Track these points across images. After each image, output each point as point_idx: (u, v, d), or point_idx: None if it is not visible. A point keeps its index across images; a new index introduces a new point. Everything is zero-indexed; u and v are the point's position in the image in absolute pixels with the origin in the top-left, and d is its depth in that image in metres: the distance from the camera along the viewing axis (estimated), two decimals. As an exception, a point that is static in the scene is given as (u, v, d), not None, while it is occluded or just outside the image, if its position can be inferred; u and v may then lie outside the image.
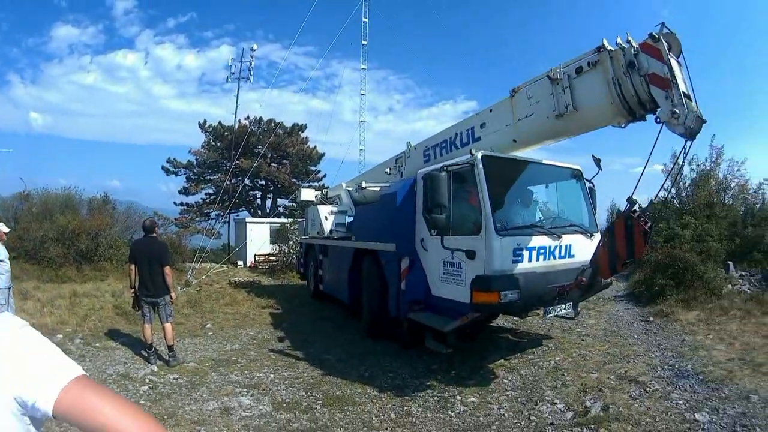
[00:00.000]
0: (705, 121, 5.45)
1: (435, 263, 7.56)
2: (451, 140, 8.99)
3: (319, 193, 17.05)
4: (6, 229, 8.78)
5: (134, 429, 1.12)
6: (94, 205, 24.23)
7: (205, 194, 38.07)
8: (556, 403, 6.09)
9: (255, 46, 35.08)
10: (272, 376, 7.36)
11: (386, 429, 5.54)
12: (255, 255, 26.72)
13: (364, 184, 11.30)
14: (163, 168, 37.21)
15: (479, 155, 6.96)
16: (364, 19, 35.06)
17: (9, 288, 8.48)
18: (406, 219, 8.30)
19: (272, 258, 25.03)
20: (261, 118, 35.43)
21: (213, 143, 37.31)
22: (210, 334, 10.09)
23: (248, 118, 35.86)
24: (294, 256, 21.89)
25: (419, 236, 8.03)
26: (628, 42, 5.94)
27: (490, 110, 8.12)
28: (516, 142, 7.75)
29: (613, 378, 6.86)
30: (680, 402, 5.87)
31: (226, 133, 35.62)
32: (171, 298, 8.09)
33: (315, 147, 38.96)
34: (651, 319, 10.78)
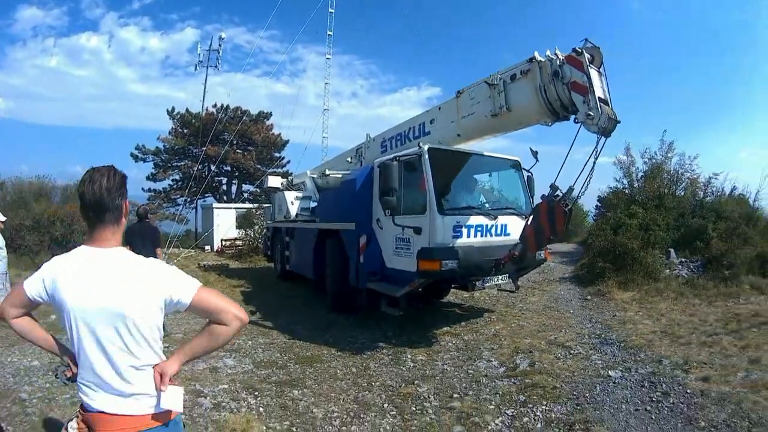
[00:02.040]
0: (618, 122, 6.63)
1: (389, 239, 8.67)
2: (405, 134, 10.21)
3: (285, 180, 18.10)
4: (3, 218, 9.42)
5: (232, 308, 2.21)
6: (68, 192, 24.67)
7: (172, 180, 38.54)
8: (491, 361, 7.24)
9: (223, 35, 35.81)
10: (250, 342, 8.42)
11: (349, 379, 6.64)
12: (222, 240, 27.33)
13: (327, 172, 12.43)
14: (131, 155, 37.54)
15: (426, 147, 8.14)
16: (330, 10, 35.42)
17: (6, 273, 9.20)
18: (364, 202, 9.41)
19: (238, 242, 25.75)
20: (228, 106, 35.87)
21: (180, 130, 37.75)
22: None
23: (215, 105, 36.56)
24: (260, 240, 22.64)
25: (375, 216, 9.15)
26: (555, 54, 7.08)
27: (439, 108, 9.36)
28: (460, 136, 8.97)
29: (544, 343, 8.00)
30: (598, 362, 6.95)
31: (193, 121, 36.15)
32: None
33: (280, 134, 39.68)
34: (589, 297, 11.92)
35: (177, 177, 38.35)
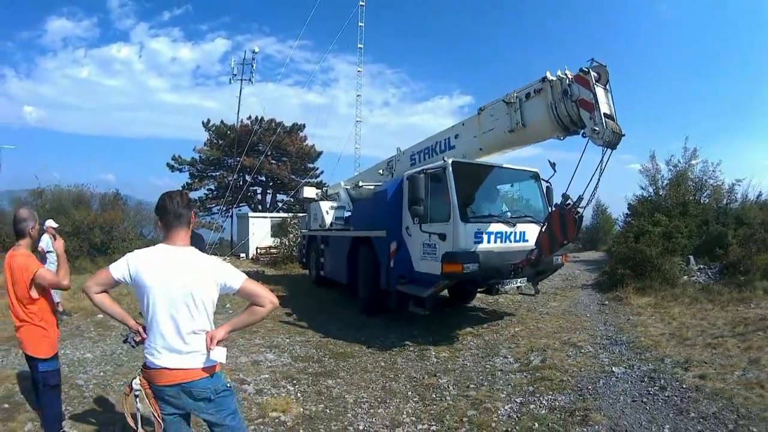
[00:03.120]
0: (623, 135, 7.27)
1: (417, 245, 9.42)
2: (432, 147, 10.99)
3: (320, 190, 18.99)
4: (55, 225, 10.33)
5: (267, 294, 3.14)
6: (105, 200, 25.58)
7: (207, 189, 39.46)
8: (507, 358, 7.91)
9: (256, 48, 36.56)
10: (288, 340, 9.22)
11: (377, 371, 7.38)
12: (257, 247, 28.10)
13: (361, 184, 13.22)
14: (168, 165, 38.61)
15: (450, 161, 8.88)
16: (360, 24, 35.65)
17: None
18: (394, 211, 10.17)
19: (273, 250, 26.43)
20: (262, 118, 36.78)
21: (215, 141, 38.67)
22: (231, 311, 11.79)
23: (250, 117, 37.44)
24: (295, 248, 23.44)
25: (405, 224, 9.89)
26: (565, 74, 7.71)
27: (462, 124, 10.12)
28: (482, 150, 9.68)
29: (558, 343, 8.61)
30: (605, 360, 7.54)
31: (228, 132, 37.05)
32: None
33: (313, 145, 40.38)
34: (606, 303, 12.39)
35: (212, 187, 39.33)
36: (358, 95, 37.02)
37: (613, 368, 7.05)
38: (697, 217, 19.74)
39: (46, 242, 10.18)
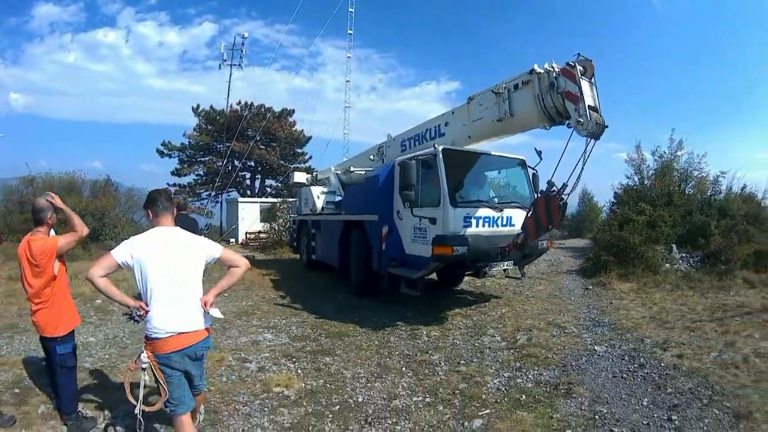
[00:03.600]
0: (606, 127, 7.59)
1: (408, 229, 9.75)
2: (422, 134, 11.32)
3: (310, 175, 19.15)
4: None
5: (241, 258, 4.08)
6: (96, 187, 25.59)
7: (197, 175, 39.62)
8: (495, 337, 8.29)
9: (245, 34, 36.65)
10: (284, 321, 9.55)
11: (372, 349, 7.72)
12: (246, 233, 28.35)
13: (352, 169, 13.48)
14: (157, 150, 38.68)
15: (440, 148, 9.21)
16: (350, 10, 35.78)
17: None
18: (386, 196, 10.48)
19: (263, 235, 26.72)
20: (252, 104, 37.02)
21: (205, 126, 38.75)
22: (226, 295, 11.97)
23: (240, 103, 37.60)
24: (284, 233, 23.75)
25: (396, 209, 10.21)
26: (552, 67, 8.04)
27: (452, 112, 10.44)
28: (471, 138, 10.02)
29: (543, 323, 9.00)
30: (588, 339, 7.95)
31: (218, 118, 37.15)
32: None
33: (302, 131, 40.60)
34: (590, 287, 12.73)
35: (201, 172, 39.49)
36: (347, 81, 37.28)
37: (596, 347, 7.44)
38: (681, 207, 19.99)
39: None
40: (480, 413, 5.30)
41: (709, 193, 21.72)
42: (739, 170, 33.59)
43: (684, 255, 15.83)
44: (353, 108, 36.57)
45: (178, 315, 3.75)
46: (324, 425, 5.07)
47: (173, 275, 3.78)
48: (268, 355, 7.37)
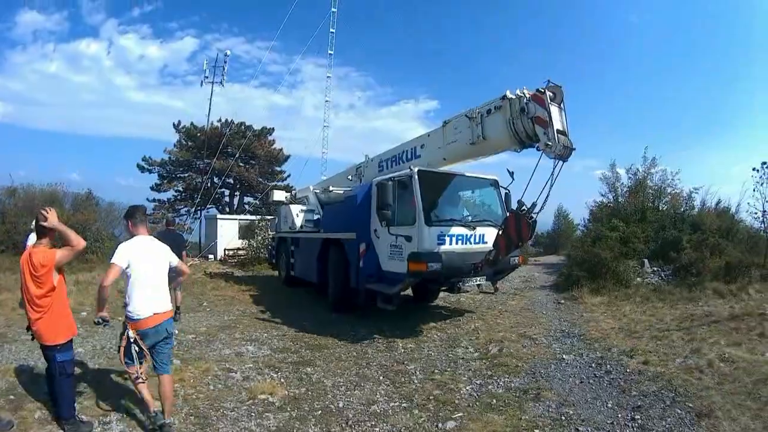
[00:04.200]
0: (573, 149, 8.07)
1: (384, 246, 10.14)
2: (399, 156, 11.78)
3: (289, 194, 19.52)
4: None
5: (187, 269, 6.01)
6: (78, 201, 25.58)
7: (176, 191, 39.42)
8: (468, 348, 8.71)
9: (228, 52, 36.87)
10: (266, 334, 9.84)
11: (351, 360, 8.08)
12: (225, 249, 28.33)
13: (331, 188, 13.82)
14: (138, 165, 38.31)
15: (416, 170, 9.66)
16: (331, 30, 36.27)
17: None
18: (364, 214, 10.89)
19: (241, 252, 26.76)
20: (232, 121, 36.99)
21: (185, 143, 38.74)
22: (208, 309, 12.49)
23: (220, 120, 37.67)
24: (263, 250, 24.08)
25: (373, 227, 10.60)
26: (523, 92, 8.51)
27: (428, 135, 10.93)
28: (446, 159, 10.51)
29: (515, 336, 9.45)
30: (557, 349, 8.42)
31: (198, 135, 37.17)
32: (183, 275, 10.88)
33: (281, 149, 40.69)
34: (562, 301, 13.29)
35: (180, 188, 39.29)
36: (326, 100, 37.61)
37: (564, 356, 7.89)
38: (654, 223, 20.52)
39: (32, 240, 10.35)
40: (453, 416, 5.67)
41: (682, 209, 22.26)
42: (715, 185, 34.43)
43: (656, 269, 16.26)
44: (331, 126, 36.59)
45: (155, 301, 5.22)
46: (308, 428, 5.41)
47: (151, 272, 5.26)
48: (251, 365, 7.67)
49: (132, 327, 5.06)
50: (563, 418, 5.53)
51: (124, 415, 5.58)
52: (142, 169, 38.51)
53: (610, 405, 5.84)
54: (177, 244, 10.43)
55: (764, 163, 15.64)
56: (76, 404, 5.41)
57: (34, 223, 9.66)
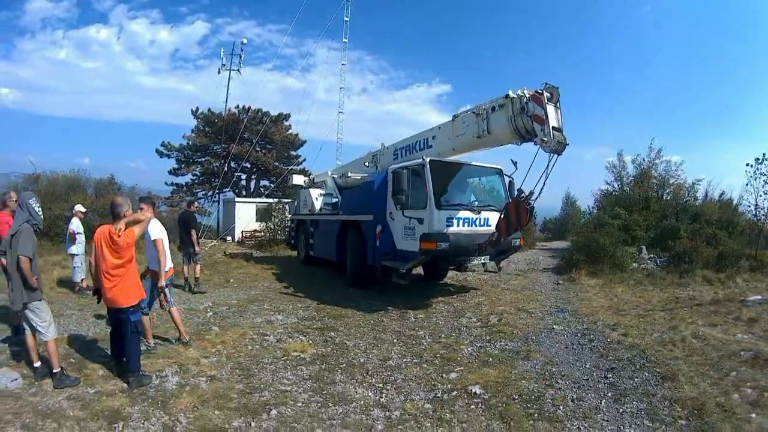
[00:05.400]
0: (567, 144, 9.08)
1: (399, 227, 11.30)
2: (412, 145, 12.87)
3: (307, 178, 20.75)
4: (83, 209, 12.09)
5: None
6: (100, 185, 26.62)
7: (193, 175, 40.45)
8: (471, 318, 9.85)
9: (245, 40, 37.70)
10: (291, 306, 11.05)
11: (368, 327, 9.25)
12: (242, 231, 29.44)
13: (349, 174, 15.02)
14: (157, 150, 39.54)
15: (428, 160, 10.78)
16: (345, 19, 36.25)
17: (84, 254, 11.53)
18: (380, 199, 12.04)
19: (258, 234, 27.85)
20: (249, 107, 37.83)
21: (203, 128, 39.74)
22: (235, 285, 13.70)
23: (237, 106, 38.72)
24: (279, 232, 25.37)
25: (389, 210, 11.74)
26: (524, 93, 9.53)
27: (439, 127, 11.97)
28: (454, 150, 11.62)
29: (513, 309, 10.53)
30: (549, 321, 9.49)
31: (216, 120, 38.24)
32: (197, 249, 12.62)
33: (297, 134, 41.44)
34: (561, 282, 14.36)
35: (198, 172, 40.35)
36: (341, 87, 37.63)
37: (554, 326, 8.95)
38: (657, 212, 21.34)
39: (76, 225, 11.53)
40: (455, 369, 6.78)
41: (684, 199, 22.98)
42: (724, 176, 34.64)
43: (652, 256, 17.21)
44: (344, 109, 36.66)
45: (170, 259, 7.58)
46: (335, 376, 6.54)
47: (167, 241, 7.56)
48: (282, 330, 8.82)
49: (165, 275, 7.46)
50: (546, 373, 6.55)
51: (179, 369, 6.60)
52: (161, 154, 39.48)
53: (588, 366, 6.83)
54: (187, 221, 12.39)
55: (757, 158, 16.49)
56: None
57: (75, 207, 10.99)
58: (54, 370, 5.84)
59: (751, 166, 16.67)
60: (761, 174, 16.50)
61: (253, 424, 5.02)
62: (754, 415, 5.08)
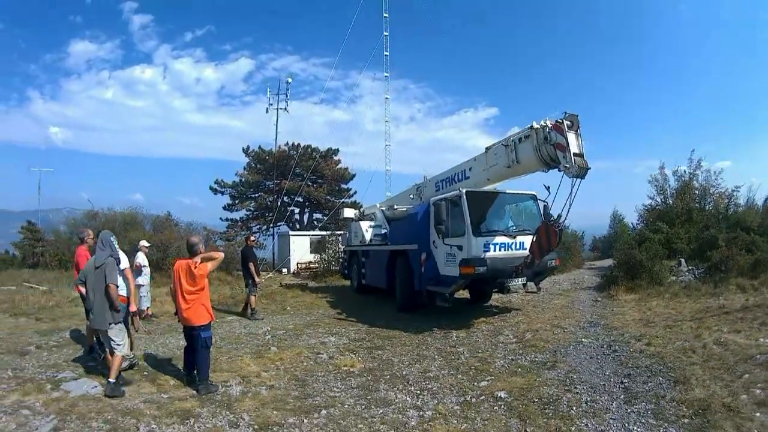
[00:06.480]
0: (589, 168, 9.82)
1: (441, 254, 12.13)
2: (451, 177, 13.81)
3: (357, 211, 22.12)
4: (147, 244, 13.33)
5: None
6: (158, 222, 28.08)
7: (247, 210, 42.10)
8: (508, 335, 10.61)
9: (290, 79, 38.97)
10: (343, 329, 11.98)
11: (413, 345, 10.12)
12: (297, 263, 30.78)
13: (396, 206, 16.19)
14: (210, 188, 41.48)
15: (464, 191, 11.66)
16: (385, 53, 36.49)
17: (149, 285, 12.99)
18: (424, 229, 12.97)
19: (313, 265, 28.82)
20: (299, 144, 39.36)
21: (254, 165, 41.28)
22: (291, 312, 14.83)
23: (287, 144, 40.24)
24: (333, 263, 26.22)
25: (432, 239, 12.60)
26: (546, 123, 10.33)
27: (474, 159, 12.84)
28: (489, 180, 12.48)
29: (549, 326, 11.20)
30: (580, 335, 10.11)
31: (267, 158, 39.73)
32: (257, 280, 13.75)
33: (347, 168, 42.57)
34: (599, 299, 14.89)
35: (252, 207, 41.95)
36: (386, 120, 37.81)
37: (583, 339, 9.62)
38: (699, 223, 21.46)
39: (141, 258, 12.57)
40: (486, 378, 7.63)
41: (725, 208, 23.04)
42: (749, 183, 33.47)
43: (691, 268, 17.41)
44: (392, 139, 36.53)
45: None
46: (379, 385, 7.48)
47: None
48: (334, 349, 9.79)
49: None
50: (567, 380, 7.26)
51: (242, 380, 7.69)
52: (214, 191, 41.37)
53: (607, 373, 7.46)
54: (245, 255, 13.89)
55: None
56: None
57: (140, 243, 12.27)
58: (110, 379, 6.86)
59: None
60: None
61: (305, 421, 6.02)
62: (758, 414, 5.36)
